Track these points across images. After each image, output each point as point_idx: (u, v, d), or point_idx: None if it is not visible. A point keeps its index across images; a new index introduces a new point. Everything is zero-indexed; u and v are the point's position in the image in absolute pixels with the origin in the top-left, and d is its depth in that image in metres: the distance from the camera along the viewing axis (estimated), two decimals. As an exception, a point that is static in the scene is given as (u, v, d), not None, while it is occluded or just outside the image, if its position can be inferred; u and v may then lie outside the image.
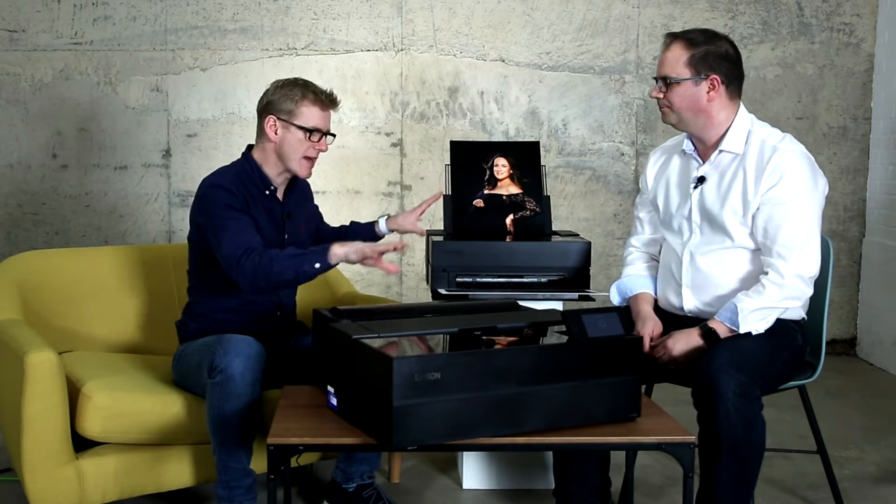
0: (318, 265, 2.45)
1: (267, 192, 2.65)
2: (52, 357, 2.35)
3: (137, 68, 4.60)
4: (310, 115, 2.61)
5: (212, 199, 2.55)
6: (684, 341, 2.43)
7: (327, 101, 2.65)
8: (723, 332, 2.41)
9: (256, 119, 2.68)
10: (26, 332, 2.52)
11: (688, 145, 2.58)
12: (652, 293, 2.68)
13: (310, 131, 2.61)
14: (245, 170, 2.64)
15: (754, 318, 2.38)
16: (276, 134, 2.61)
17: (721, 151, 2.51)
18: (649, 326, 2.54)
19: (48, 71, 4.57)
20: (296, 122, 2.60)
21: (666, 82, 2.47)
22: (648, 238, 2.75)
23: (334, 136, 2.70)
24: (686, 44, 2.46)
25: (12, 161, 4.60)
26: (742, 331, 2.39)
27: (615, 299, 2.74)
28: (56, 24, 4.55)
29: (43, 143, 4.60)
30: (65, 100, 4.59)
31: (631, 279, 2.70)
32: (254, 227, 2.55)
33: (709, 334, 2.41)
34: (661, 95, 2.49)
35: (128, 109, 4.62)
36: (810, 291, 2.46)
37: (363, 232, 2.96)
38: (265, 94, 2.65)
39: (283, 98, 2.60)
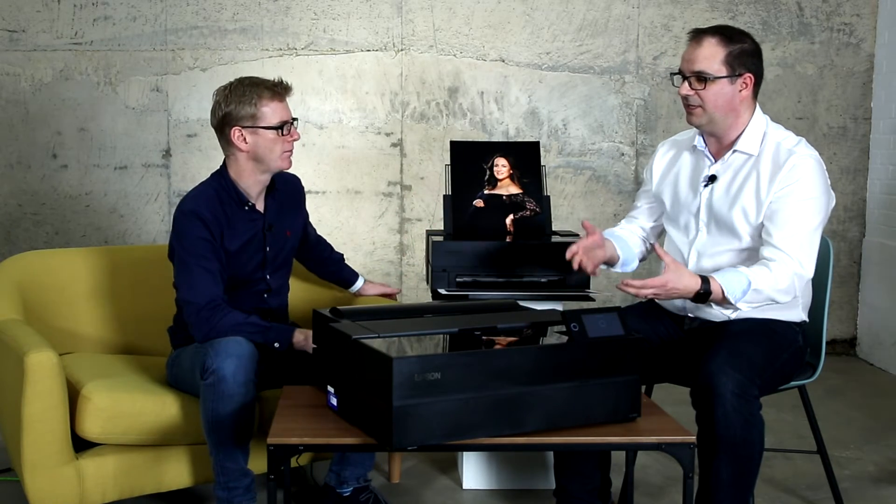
0: (277, 345, 2.50)
1: (246, 208, 2.62)
2: (52, 357, 2.35)
3: (137, 68, 4.60)
4: (272, 112, 2.55)
5: (186, 229, 2.53)
6: (682, 289, 2.30)
7: (282, 90, 2.59)
8: (716, 292, 2.30)
9: (216, 134, 2.62)
10: (26, 332, 2.52)
11: (699, 142, 2.54)
12: (614, 249, 2.64)
13: (279, 128, 2.56)
14: (222, 187, 2.61)
15: (751, 297, 2.30)
16: (245, 143, 2.55)
17: (735, 151, 2.47)
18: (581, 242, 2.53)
19: (48, 71, 4.57)
20: (262, 125, 2.54)
21: (699, 78, 2.40)
22: (639, 227, 2.74)
23: (297, 119, 2.64)
24: (722, 40, 2.39)
25: (12, 161, 4.60)
26: (733, 301, 2.30)
27: None
28: (56, 24, 4.55)
29: (43, 143, 4.60)
30: (65, 100, 4.59)
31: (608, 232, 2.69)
32: (218, 272, 2.53)
33: (702, 296, 2.31)
34: (693, 92, 2.41)
35: (128, 109, 4.62)
36: (798, 293, 2.41)
37: (346, 275, 3.05)
38: (216, 107, 2.57)
39: (239, 105, 2.53)
